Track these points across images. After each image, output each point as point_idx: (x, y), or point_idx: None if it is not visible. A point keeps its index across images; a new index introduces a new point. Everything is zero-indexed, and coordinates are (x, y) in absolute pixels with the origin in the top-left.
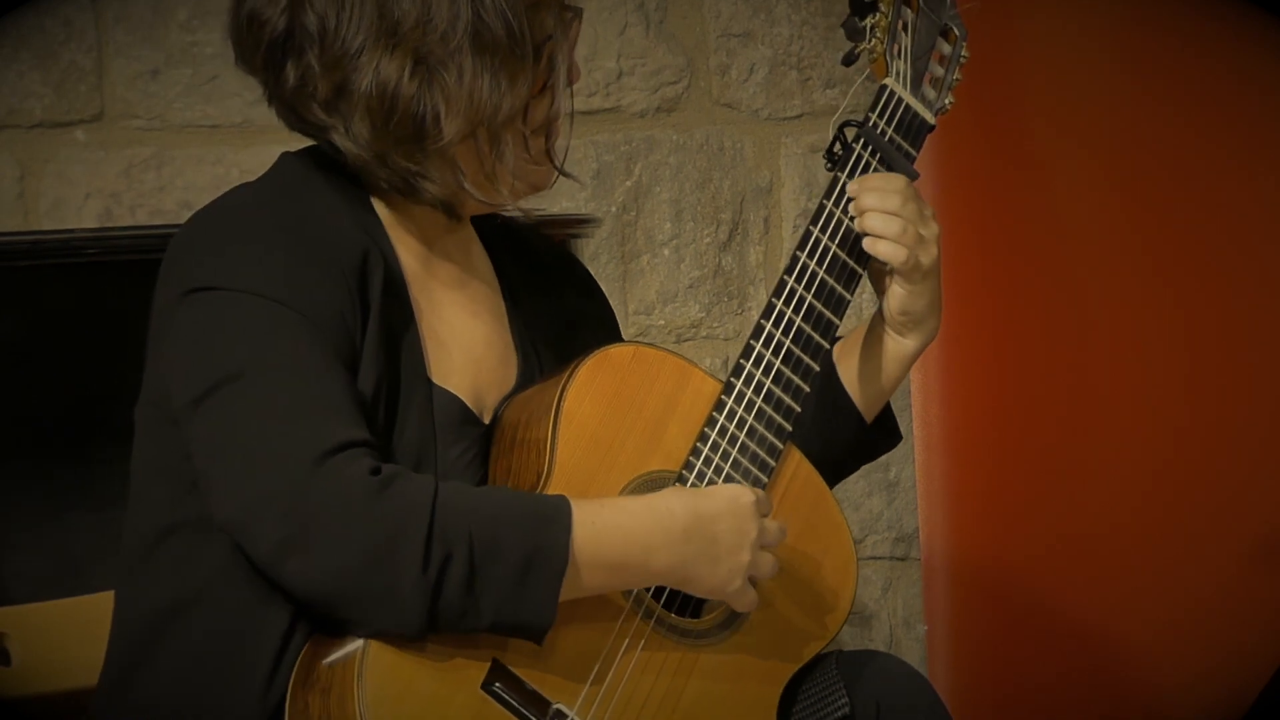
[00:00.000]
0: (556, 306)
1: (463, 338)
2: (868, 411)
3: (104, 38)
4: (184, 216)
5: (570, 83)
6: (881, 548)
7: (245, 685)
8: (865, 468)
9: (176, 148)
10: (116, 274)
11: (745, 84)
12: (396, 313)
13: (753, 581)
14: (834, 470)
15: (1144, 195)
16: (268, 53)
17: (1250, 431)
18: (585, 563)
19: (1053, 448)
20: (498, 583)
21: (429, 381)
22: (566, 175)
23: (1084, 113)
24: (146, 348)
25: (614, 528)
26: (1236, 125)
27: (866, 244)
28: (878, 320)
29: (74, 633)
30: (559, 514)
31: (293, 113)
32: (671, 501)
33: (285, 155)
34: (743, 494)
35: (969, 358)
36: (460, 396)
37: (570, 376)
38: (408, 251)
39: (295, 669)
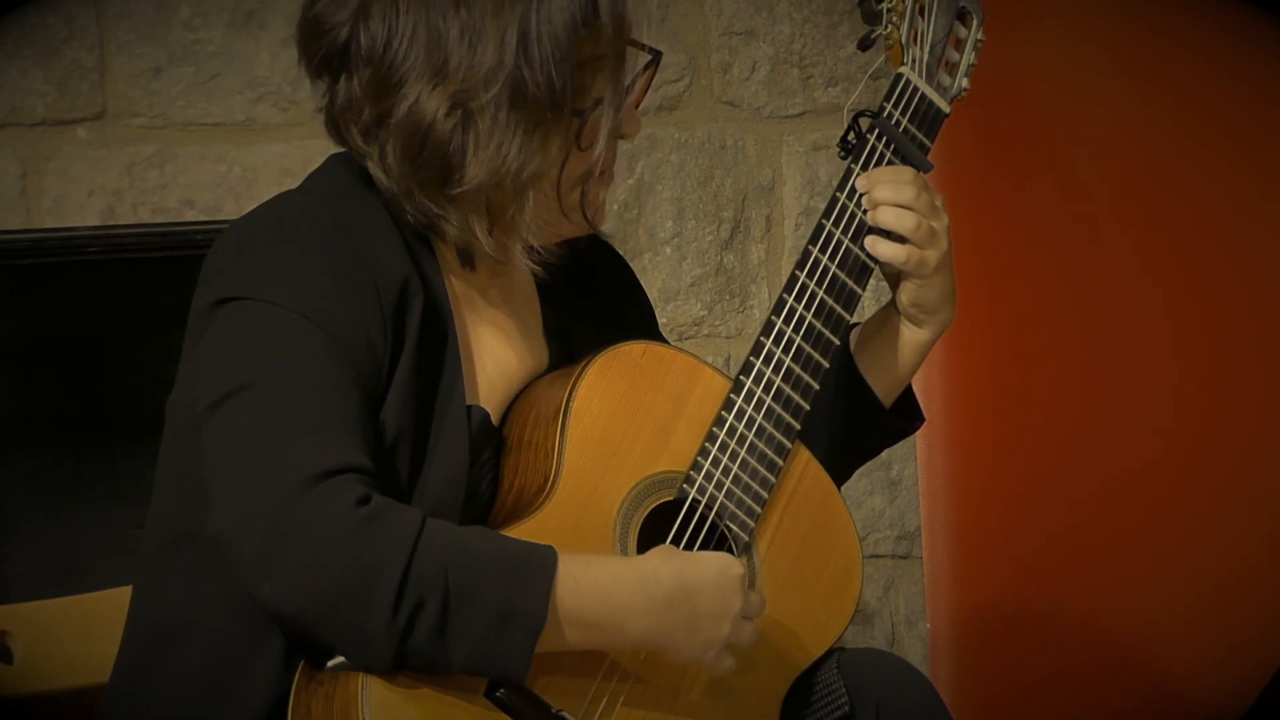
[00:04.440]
0: (593, 304)
1: (500, 350)
2: (886, 397)
3: (106, 35)
4: (186, 215)
5: (626, 136)
6: (884, 546)
7: (249, 700)
8: (867, 466)
9: (179, 146)
10: (119, 272)
11: (747, 82)
12: (436, 340)
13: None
14: (858, 452)
15: (1147, 193)
16: (323, 62)
17: (1253, 431)
18: (563, 620)
19: (1055, 446)
20: (471, 632)
21: (467, 407)
22: (598, 231)
23: (1087, 112)
24: (184, 342)
25: (595, 588)
26: (1238, 124)
27: (868, 243)
28: (892, 309)
29: (76, 631)
30: (543, 568)
31: (336, 131)
32: (659, 566)
33: (335, 159)
34: (732, 565)
35: (971, 356)
36: (487, 408)
37: (579, 376)
38: (451, 267)
39: (299, 672)
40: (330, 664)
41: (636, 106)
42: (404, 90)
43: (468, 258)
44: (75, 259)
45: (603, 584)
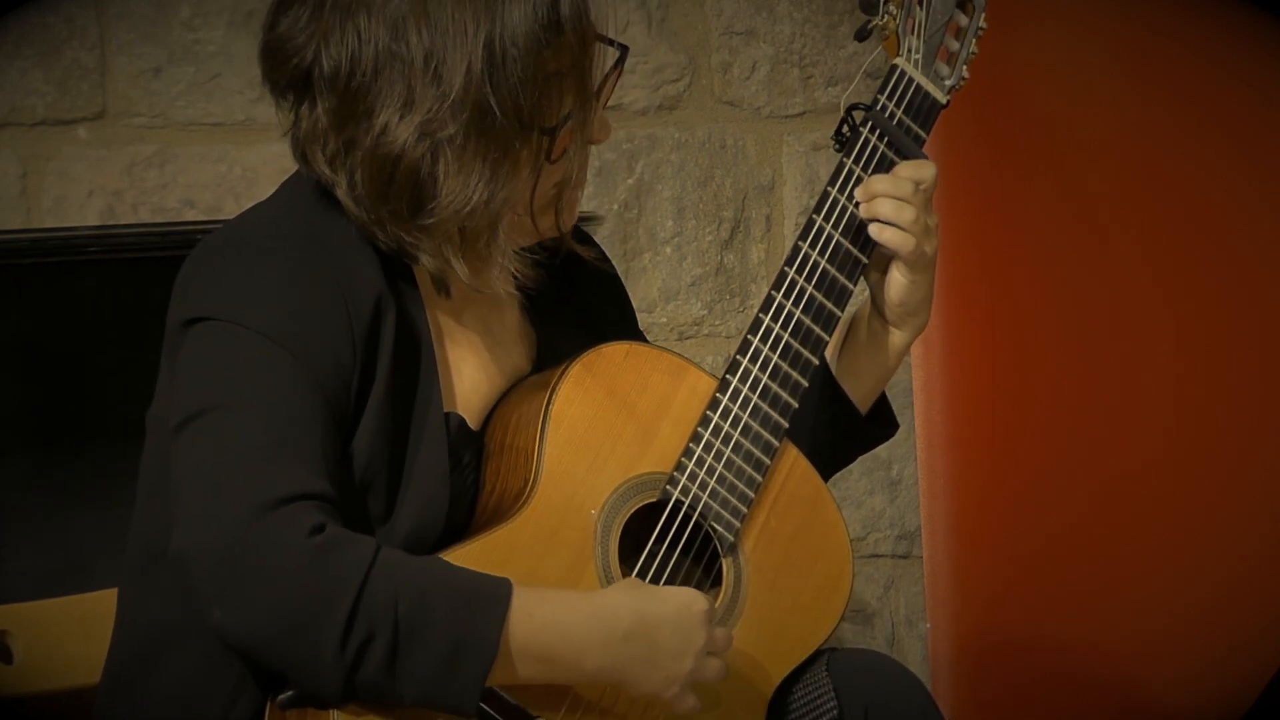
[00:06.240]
0: (576, 303)
1: (478, 356)
2: (862, 403)
3: (106, 35)
4: (186, 214)
5: (595, 142)
6: (884, 546)
7: (232, 709)
8: (867, 465)
9: (179, 145)
10: (119, 272)
11: (747, 82)
12: (411, 351)
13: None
14: (832, 460)
15: (1147, 192)
16: (285, 87)
17: (1252, 430)
18: (515, 653)
19: (1055, 446)
20: (420, 666)
21: (445, 416)
22: (572, 246)
23: (1087, 110)
24: (161, 355)
25: (551, 622)
26: (1238, 124)
27: (873, 230)
28: (869, 313)
29: (75, 630)
30: (496, 600)
31: (303, 158)
32: (618, 601)
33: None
34: (695, 601)
35: (971, 356)
36: (464, 415)
37: (560, 378)
38: (426, 275)
39: (268, 707)
40: (280, 697)
41: (604, 106)
42: (371, 121)
43: (443, 286)
44: (75, 259)
45: (558, 617)
